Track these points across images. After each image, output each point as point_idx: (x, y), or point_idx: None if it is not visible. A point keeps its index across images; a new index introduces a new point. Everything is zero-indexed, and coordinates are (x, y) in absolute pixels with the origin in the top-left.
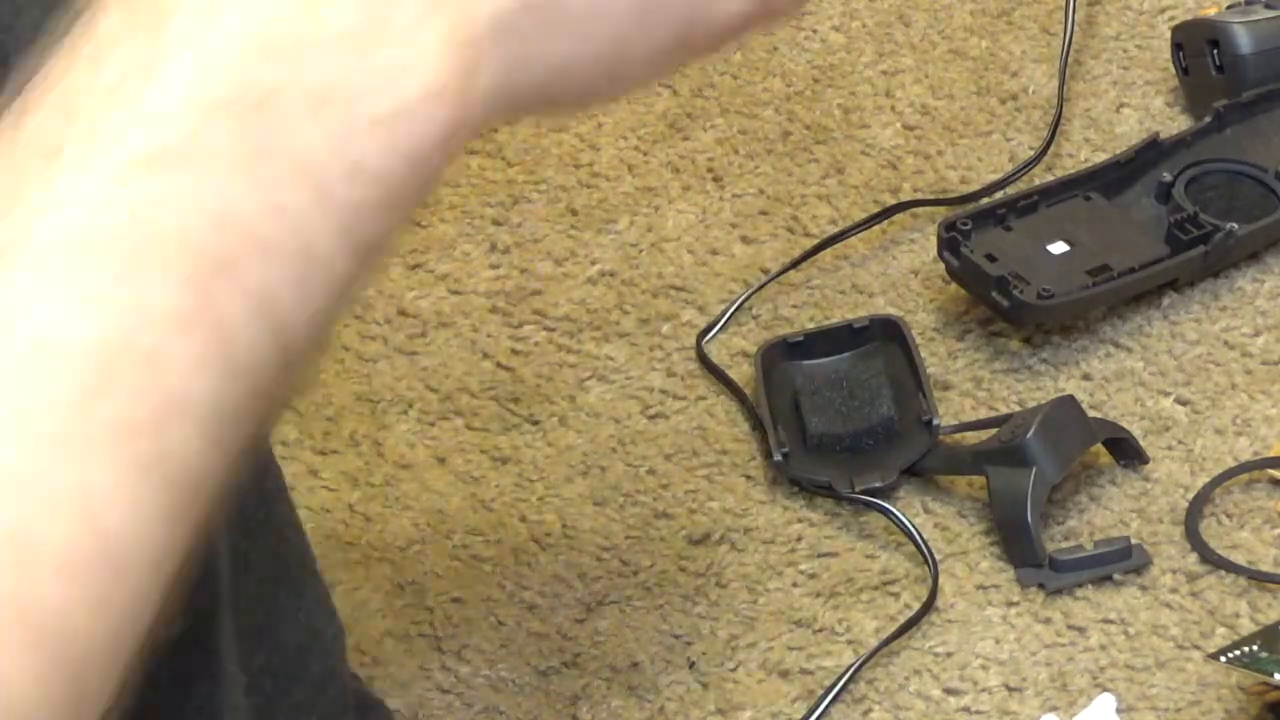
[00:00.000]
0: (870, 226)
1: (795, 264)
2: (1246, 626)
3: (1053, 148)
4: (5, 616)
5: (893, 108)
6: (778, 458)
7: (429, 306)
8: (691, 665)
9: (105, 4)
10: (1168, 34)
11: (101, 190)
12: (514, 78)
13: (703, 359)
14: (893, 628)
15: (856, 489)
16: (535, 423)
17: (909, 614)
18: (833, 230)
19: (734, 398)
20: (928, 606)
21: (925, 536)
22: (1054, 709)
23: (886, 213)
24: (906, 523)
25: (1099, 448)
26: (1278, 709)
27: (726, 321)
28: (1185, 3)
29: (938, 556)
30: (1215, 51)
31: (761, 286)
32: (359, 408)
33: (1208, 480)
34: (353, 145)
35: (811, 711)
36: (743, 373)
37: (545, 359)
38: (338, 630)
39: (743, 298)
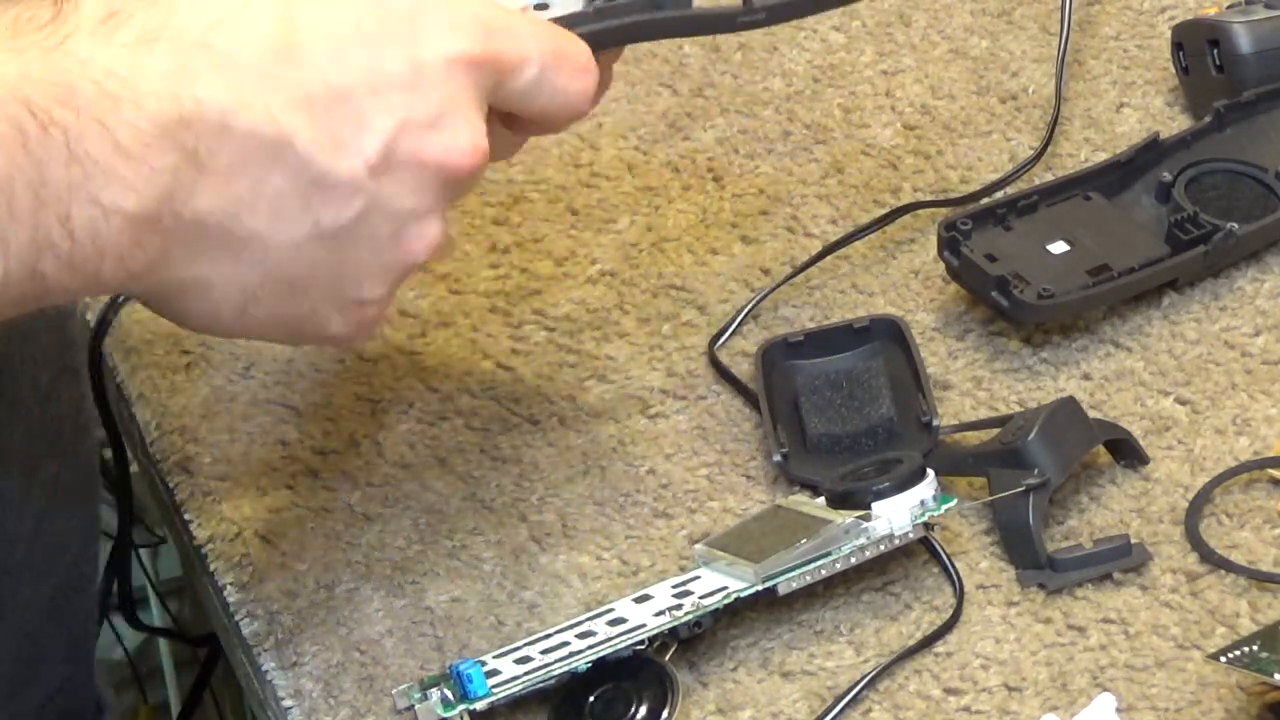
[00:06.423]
0: (876, 229)
1: (803, 268)
2: (1246, 626)
3: (1052, 147)
4: None
5: (893, 108)
6: (778, 458)
7: (429, 306)
8: (691, 665)
9: None
10: (1168, 34)
11: None
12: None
13: (715, 364)
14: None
15: None
16: (535, 423)
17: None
18: (833, 230)
19: (735, 397)
20: (955, 617)
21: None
22: (1054, 709)
23: (892, 215)
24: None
25: (1099, 447)
26: (1278, 709)
27: (738, 326)
28: (1185, 3)
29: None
30: (1215, 51)
31: (773, 289)
32: (359, 408)
33: (1208, 480)
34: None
35: (826, 713)
36: (742, 372)
37: (545, 359)
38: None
39: (754, 302)
